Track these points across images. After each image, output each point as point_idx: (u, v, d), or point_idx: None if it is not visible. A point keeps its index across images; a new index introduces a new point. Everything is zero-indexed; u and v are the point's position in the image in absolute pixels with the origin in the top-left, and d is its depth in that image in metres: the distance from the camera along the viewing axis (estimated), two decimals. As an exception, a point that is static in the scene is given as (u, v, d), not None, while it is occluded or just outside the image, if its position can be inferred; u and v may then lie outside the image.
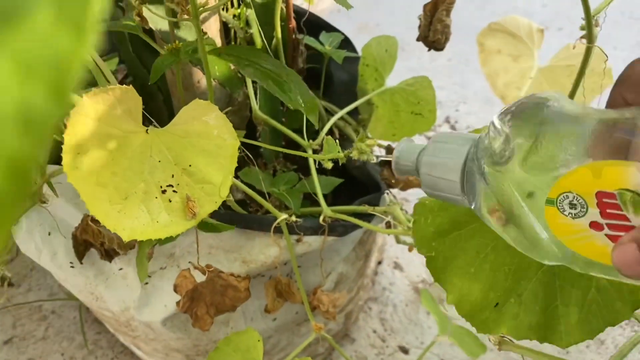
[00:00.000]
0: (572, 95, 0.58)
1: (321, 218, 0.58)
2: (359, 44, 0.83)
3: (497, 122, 0.29)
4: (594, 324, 0.34)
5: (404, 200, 1.07)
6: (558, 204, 0.26)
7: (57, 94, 0.08)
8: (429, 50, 0.64)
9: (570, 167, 0.26)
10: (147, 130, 0.40)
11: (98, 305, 0.64)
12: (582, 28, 0.50)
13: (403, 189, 0.81)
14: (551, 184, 0.26)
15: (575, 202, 0.26)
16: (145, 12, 0.51)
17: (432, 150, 0.32)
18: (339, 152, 0.42)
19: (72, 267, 0.61)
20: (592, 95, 0.76)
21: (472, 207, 0.31)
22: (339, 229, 0.61)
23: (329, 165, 0.45)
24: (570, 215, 0.26)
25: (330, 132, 0.75)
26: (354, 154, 0.39)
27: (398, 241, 0.73)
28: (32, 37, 0.08)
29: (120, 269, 0.61)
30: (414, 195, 1.08)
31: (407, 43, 1.63)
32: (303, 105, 0.48)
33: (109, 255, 0.58)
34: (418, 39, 0.65)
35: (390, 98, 0.76)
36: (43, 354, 0.86)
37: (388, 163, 0.73)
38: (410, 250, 0.55)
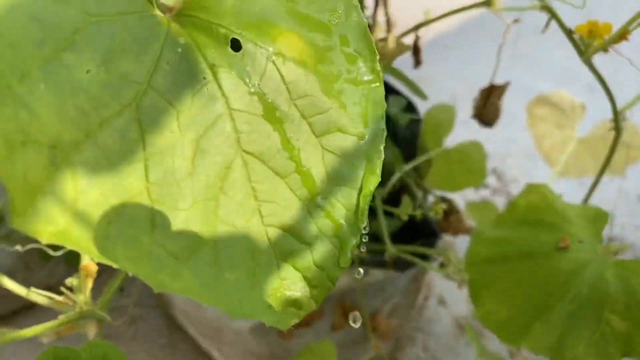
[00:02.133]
0: (603, 169, 0.70)
1: (386, 255, 0.71)
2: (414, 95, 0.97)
3: None
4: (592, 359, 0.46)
5: (449, 245, 1.19)
6: None
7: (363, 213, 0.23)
8: (482, 126, 0.77)
9: None
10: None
11: (197, 312, 0.78)
12: (612, 120, 0.62)
13: (453, 234, 0.93)
14: None
15: None
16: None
17: None
18: (414, 209, 0.55)
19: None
20: (624, 166, 0.87)
21: None
22: (400, 265, 0.74)
23: (405, 217, 0.58)
24: None
25: (393, 181, 0.89)
26: (432, 214, 0.52)
27: (447, 276, 0.85)
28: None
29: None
30: (461, 239, 1.19)
31: (459, 96, 1.76)
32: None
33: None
34: (473, 117, 0.78)
35: (446, 156, 0.89)
36: (132, 351, 1.00)
37: (445, 213, 0.86)
38: (460, 287, 0.68)
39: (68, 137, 0.23)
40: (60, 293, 0.48)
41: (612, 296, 0.44)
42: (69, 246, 0.23)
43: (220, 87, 0.28)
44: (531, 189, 0.56)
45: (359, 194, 0.29)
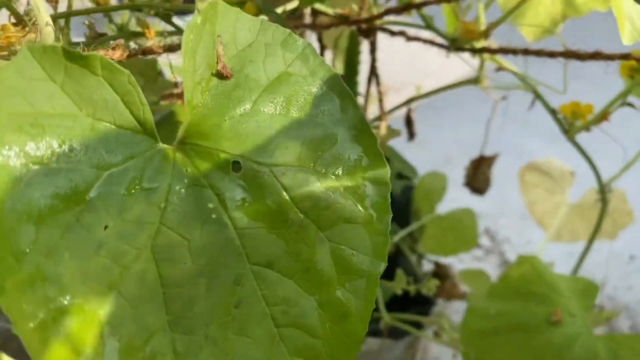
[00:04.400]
0: (592, 237, 0.71)
1: (382, 323, 0.71)
2: (408, 155, 0.99)
3: None
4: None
5: (444, 309, 1.19)
6: None
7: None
8: (472, 193, 0.79)
9: None
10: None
11: None
12: (598, 192, 0.64)
13: (447, 299, 0.94)
14: None
15: None
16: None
17: None
18: (408, 276, 0.56)
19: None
20: (614, 231, 0.89)
21: None
22: (395, 333, 0.74)
23: (399, 292, 0.60)
24: None
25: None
26: (424, 290, 0.54)
27: (442, 342, 0.85)
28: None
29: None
30: (455, 304, 1.19)
31: (452, 156, 1.78)
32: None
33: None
34: (465, 184, 0.80)
35: (439, 222, 0.91)
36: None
37: (437, 277, 0.87)
38: (454, 357, 0.68)
39: (94, 296, 0.25)
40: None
41: (603, 368, 0.45)
42: None
43: (226, 210, 0.29)
44: (522, 260, 0.57)
45: (367, 282, 0.31)
